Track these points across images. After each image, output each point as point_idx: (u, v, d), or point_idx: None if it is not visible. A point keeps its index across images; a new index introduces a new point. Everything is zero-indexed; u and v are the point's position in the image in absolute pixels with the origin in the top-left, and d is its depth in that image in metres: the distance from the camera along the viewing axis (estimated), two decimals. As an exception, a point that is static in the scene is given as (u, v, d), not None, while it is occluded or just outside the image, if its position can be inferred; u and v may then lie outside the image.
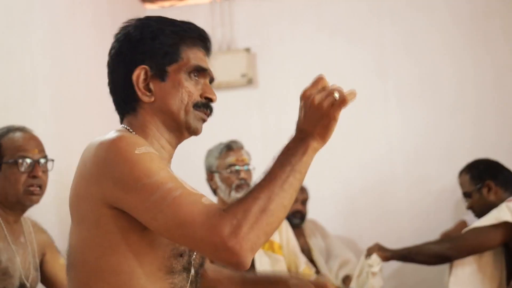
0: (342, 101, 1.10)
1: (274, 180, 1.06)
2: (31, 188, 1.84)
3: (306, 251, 3.25)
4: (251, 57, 3.81)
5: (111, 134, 1.17)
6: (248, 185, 2.49)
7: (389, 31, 3.73)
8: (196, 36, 1.30)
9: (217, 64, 3.78)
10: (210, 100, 1.29)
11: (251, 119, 3.83)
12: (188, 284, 1.23)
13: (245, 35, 3.86)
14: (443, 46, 3.65)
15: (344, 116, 4.19)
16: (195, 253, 1.26)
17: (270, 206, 1.03)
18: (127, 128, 1.25)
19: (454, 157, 3.41)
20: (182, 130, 1.26)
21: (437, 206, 3.51)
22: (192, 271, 1.25)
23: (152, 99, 1.23)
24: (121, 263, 1.13)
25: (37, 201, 1.88)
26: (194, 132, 1.27)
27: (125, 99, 1.26)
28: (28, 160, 1.84)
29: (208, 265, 1.45)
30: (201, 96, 1.27)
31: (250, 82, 3.77)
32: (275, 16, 3.86)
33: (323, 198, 3.64)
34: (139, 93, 1.23)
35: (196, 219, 1.02)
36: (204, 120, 1.28)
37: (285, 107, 3.78)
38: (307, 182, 3.46)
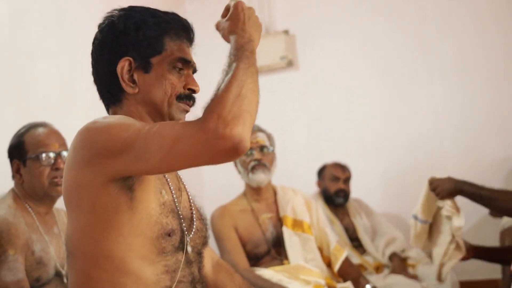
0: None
1: (237, 71, 1.10)
2: (55, 180, 1.93)
3: (351, 230, 3.24)
4: (290, 39, 3.80)
5: None
6: (264, 165, 2.51)
7: (430, 5, 3.61)
8: (180, 28, 1.31)
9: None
10: (193, 91, 1.31)
11: (293, 101, 3.83)
12: (183, 264, 1.24)
13: (283, 17, 3.85)
14: (488, 16, 3.49)
15: (388, 93, 4.10)
16: (190, 233, 1.29)
17: (242, 91, 1.06)
18: None
19: (502, 128, 3.27)
20: (166, 120, 1.28)
21: (487, 179, 3.36)
22: (189, 250, 1.27)
23: (136, 90, 1.27)
24: (113, 248, 1.17)
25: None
26: None
27: (109, 90, 1.30)
28: (51, 154, 1.94)
29: (214, 276, 1.49)
30: (184, 87, 1.29)
31: (290, 64, 3.77)
32: (312, -4, 3.83)
33: (370, 177, 3.61)
34: (123, 85, 1.27)
35: (182, 134, 1.05)
36: (186, 111, 1.31)
37: (327, 87, 3.76)
38: (354, 161, 3.44)
